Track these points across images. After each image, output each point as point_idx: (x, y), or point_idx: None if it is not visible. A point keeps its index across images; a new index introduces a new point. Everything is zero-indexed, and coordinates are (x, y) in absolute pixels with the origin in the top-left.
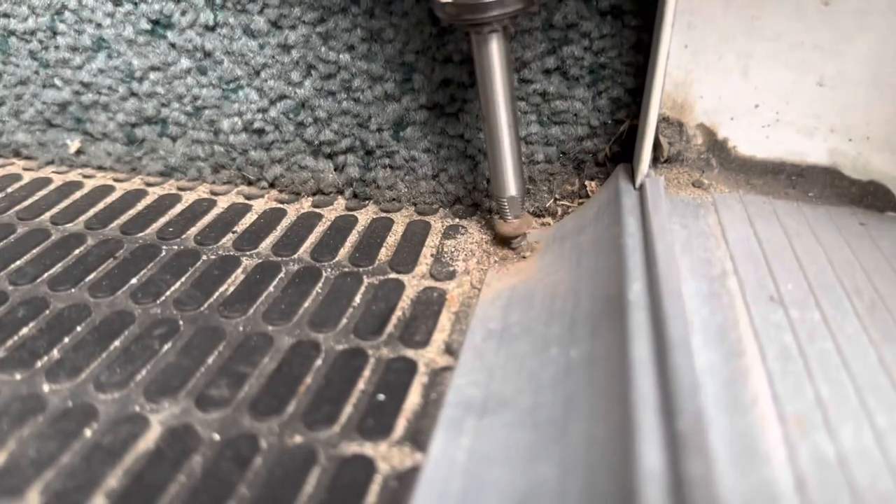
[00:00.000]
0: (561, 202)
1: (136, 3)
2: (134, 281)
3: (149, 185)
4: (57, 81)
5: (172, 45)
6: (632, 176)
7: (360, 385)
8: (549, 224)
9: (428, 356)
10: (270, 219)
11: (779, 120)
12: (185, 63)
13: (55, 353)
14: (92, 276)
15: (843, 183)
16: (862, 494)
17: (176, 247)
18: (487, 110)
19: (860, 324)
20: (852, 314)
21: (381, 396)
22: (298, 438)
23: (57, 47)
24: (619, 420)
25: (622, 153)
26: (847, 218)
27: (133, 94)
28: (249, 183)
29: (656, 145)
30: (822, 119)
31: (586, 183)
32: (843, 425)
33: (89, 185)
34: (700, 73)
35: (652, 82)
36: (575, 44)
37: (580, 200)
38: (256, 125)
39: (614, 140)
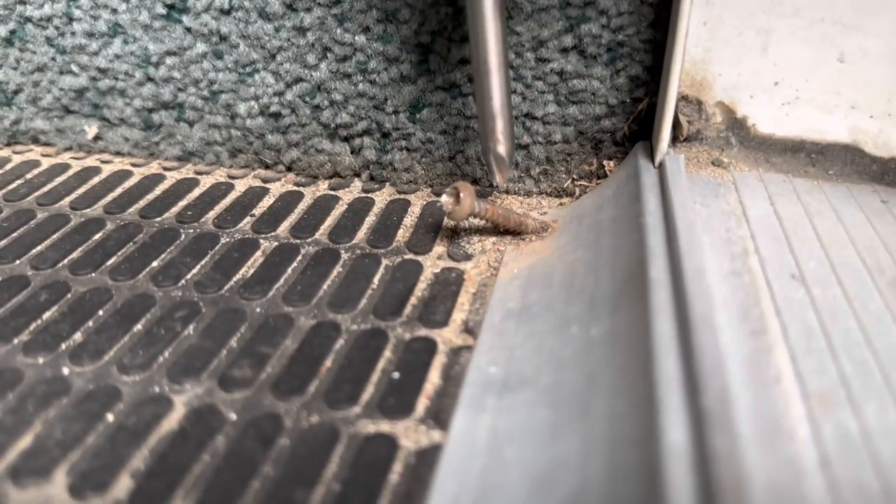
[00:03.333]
0: (579, 182)
1: None
2: (154, 264)
3: (166, 169)
4: (74, 68)
5: (188, 30)
6: (651, 154)
7: (381, 365)
8: (567, 204)
9: (447, 336)
10: (288, 202)
11: (798, 97)
12: (200, 47)
13: (78, 336)
14: (112, 260)
15: (863, 160)
16: (886, 471)
17: (194, 230)
18: (478, 65)
19: (882, 301)
20: (875, 291)
21: (396, 375)
22: (321, 418)
23: (73, 33)
24: (642, 397)
25: (640, 132)
26: (868, 195)
27: (150, 80)
28: (266, 167)
29: (675, 124)
30: (842, 96)
31: (604, 163)
32: (866, 402)
33: (107, 170)
34: (719, 51)
35: (671, 60)
36: (593, 21)
37: (598, 181)
38: (273, 109)
39: (633, 119)
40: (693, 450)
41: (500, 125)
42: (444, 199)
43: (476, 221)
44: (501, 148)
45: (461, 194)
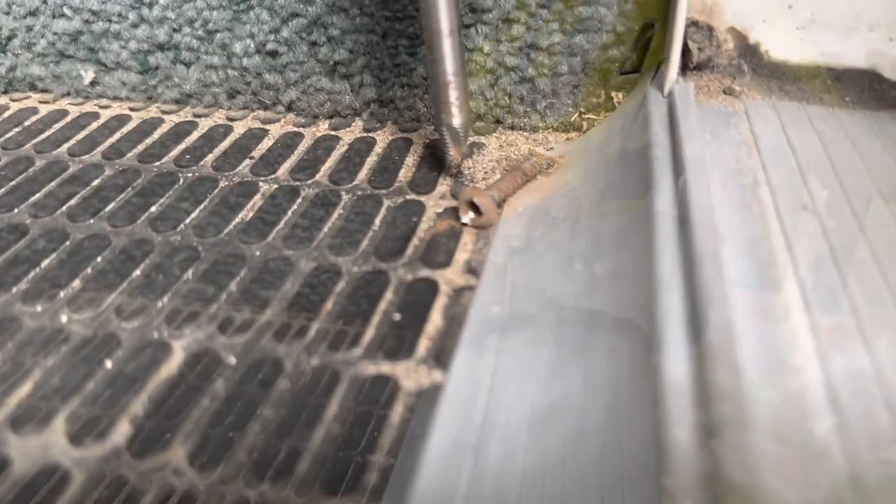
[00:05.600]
0: (586, 115)
1: None
2: (153, 209)
3: (165, 113)
4: (66, 10)
5: None
6: (660, 84)
7: (382, 307)
8: (574, 138)
9: (449, 276)
10: (287, 143)
11: (814, 20)
12: None
13: (76, 283)
14: (111, 206)
15: (882, 86)
16: None
17: (193, 174)
18: (428, 31)
19: None
20: (891, 222)
21: (397, 316)
22: (322, 360)
23: None
24: (643, 333)
25: (649, 61)
26: (886, 123)
27: (144, 21)
28: (265, 107)
29: (685, 51)
30: (860, 17)
31: (612, 94)
32: (878, 336)
33: (105, 115)
34: None
35: None
36: None
37: (606, 113)
38: (269, 47)
39: (641, 47)
40: (694, 385)
41: (453, 95)
42: (464, 217)
43: (482, 162)
44: (456, 120)
45: (479, 204)
